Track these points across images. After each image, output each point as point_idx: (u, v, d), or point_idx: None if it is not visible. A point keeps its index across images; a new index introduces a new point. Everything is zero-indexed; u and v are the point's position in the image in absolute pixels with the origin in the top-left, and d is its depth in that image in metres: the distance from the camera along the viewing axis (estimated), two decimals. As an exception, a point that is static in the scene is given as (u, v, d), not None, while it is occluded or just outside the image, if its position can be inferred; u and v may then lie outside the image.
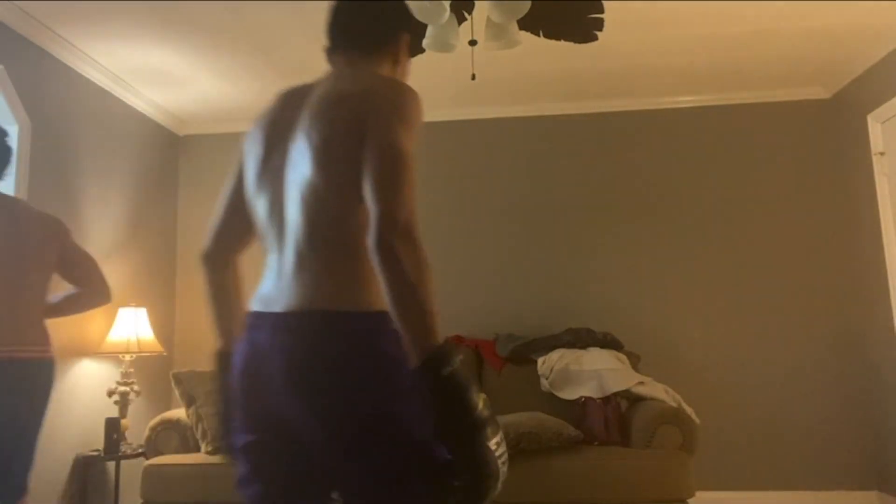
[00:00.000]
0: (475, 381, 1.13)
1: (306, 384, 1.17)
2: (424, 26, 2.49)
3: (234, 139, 4.80)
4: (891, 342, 3.79)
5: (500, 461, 1.11)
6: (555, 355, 3.85)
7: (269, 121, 1.34)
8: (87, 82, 3.81)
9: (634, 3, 3.22)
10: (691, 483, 3.20)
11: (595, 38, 2.65)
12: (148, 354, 3.85)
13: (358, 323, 1.19)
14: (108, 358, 3.83)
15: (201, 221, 4.74)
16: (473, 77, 2.65)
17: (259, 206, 1.31)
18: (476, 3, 2.63)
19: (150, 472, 3.39)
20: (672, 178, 4.44)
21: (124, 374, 3.71)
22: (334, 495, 1.26)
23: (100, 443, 3.69)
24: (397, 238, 1.10)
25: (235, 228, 1.42)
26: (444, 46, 2.48)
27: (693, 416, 3.38)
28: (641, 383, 3.62)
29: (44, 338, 2.41)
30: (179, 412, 3.60)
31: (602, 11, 2.56)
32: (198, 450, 3.49)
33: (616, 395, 3.58)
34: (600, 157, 4.52)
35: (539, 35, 2.68)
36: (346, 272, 1.21)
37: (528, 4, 2.28)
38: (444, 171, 4.55)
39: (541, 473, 3.20)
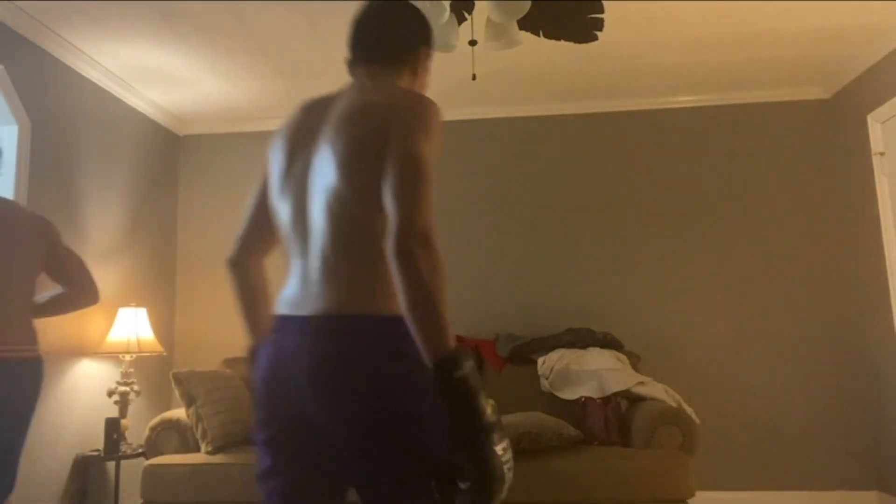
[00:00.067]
0: (484, 386, 1.14)
1: (332, 386, 1.21)
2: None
3: (234, 139, 4.80)
4: (891, 342, 3.79)
5: (506, 467, 1.12)
6: (555, 355, 3.85)
7: (292, 130, 1.39)
8: (87, 82, 3.81)
9: (634, 3, 3.22)
10: (691, 483, 3.20)
11: (595, 38, 2.65)
12: (148, 354, 3.85)
13: (383, 327, 1.23)
14: (108, 358, 3.83)
15: (201, 221, 4.74)
16: (474, 77, 2.66)
17: (282, 212, 1.36)
18: (476, 3, 2.64)
19: (150, 472, 3.38)
20: (672, 178, 4.44)
21: (124, 374, 3.71)
22: (350, 495, 1.31)
23: (100, 443, 3.70)
24: (416, 244, 1.14)
25: (260, 234, 1.48)
26: (445, 46, 2.48)
27: (693, 416, 3.38)
28: (641, 383, 3.62)
29: (31, 337, 2.40)
30: (179, 412, 3.60)
31: (602, 11, 2.56)
32: (198, 450, 3.49)
33: (616, 395, 3.58)
34: (600, 157, 4.52)
35: (539, 35, 2.68)
36: (370, 277, 1.25)
37: (528, 4, 2.28)
38: (443, 171, 4.55)
39: (541, 473, 3.20)
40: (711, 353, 4.24)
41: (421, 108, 1.27)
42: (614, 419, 3.51)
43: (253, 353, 1.47)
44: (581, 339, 3.91)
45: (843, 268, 4.22)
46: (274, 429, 1.30)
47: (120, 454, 3.54)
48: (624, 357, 3.82)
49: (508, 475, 1.13)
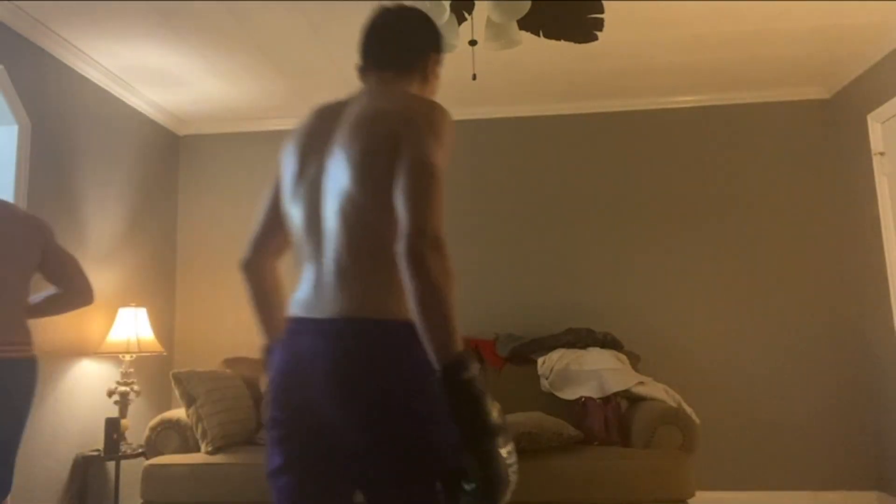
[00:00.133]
0: (490, 390, 1.16)
1: (346, 387, 1.24)
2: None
3: (233, 139, 4.80)
4: (891, 342, 3.79)
5: (510, 469, 1.13)
6: (555, 355, 3.85)
7: (305, 134, 1.41)
8: (87, 82, 3.81)
9: (634, 3, 3.22)
10: (691, 483, 3.20)
11: (595, 38, 2.65)
12: (148, 354, 3.85)
13: (394, 332, 1.26)
14: (108, 358, 3.83)
15: (201, 221, 4.74)
16: (474, 77, 2.66)
17: (295, 215, 1.39)
18: (476, 3, 2.64)
19: (150, 472, 3.38)
20: (672, 177, 4.44)
21: (124, 374, 3.71)
22: (357, 496, 1.33)
23: (100, 443, 3.70)
24: (427, 247, 1.16)
25: (274, 236, 1.51)
26: (445, 47, 2.48)
27: (693, 416, 3.38)
28: (641, 383, 3.62)
29: (25, 337, 2.40)
30: (179, 412, 3.60)
31: (602, 11, 2.56)
32: (198, 450, 3.49)
33: (616, 395, 3.58)
34: (600, 156, 4.52)
35: (539, 35, 2.68)
36: (383, 282, 1.28)
37: (528, 4, 2.28)
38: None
39: (541, 473, 3.20)
40: (711, 354, 4.24)
41: (432, 115, 1.30)
42: (614, 419, 3.51)
43: (267, 352, 1.50)
44: (581, 339, 3.92)
45: (844, 268, 4.22)
46: (286, 427, 1.32)
47: (120, 454, 3.54)
48: (624, 357, 3.82)
49: (513, 478, 1.14)
